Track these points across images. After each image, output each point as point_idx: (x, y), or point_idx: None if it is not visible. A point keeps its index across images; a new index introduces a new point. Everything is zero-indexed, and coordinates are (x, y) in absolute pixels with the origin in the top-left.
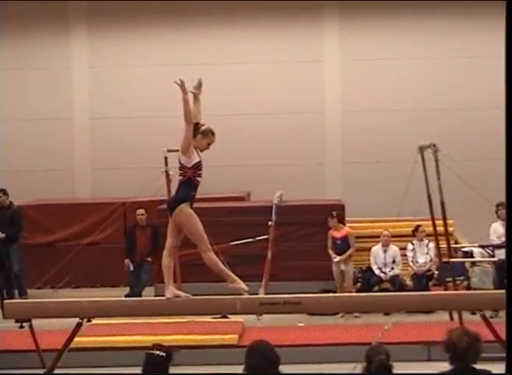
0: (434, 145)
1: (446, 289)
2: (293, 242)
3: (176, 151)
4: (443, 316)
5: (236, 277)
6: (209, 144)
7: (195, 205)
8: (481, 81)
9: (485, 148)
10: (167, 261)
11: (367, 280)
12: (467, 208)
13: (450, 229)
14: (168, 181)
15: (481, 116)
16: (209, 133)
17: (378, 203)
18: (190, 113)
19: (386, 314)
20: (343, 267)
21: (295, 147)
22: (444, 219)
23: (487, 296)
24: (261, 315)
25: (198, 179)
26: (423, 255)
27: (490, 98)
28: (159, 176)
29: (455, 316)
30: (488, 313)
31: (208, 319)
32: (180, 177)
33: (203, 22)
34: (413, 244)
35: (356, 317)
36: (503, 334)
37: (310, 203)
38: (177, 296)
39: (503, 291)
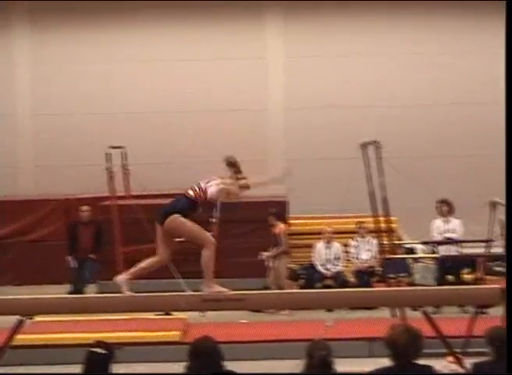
0: (376, 142)
1: (388, 285)
2: (237, 239)
3: (119, 147)
4: (386, 313)
5: (213, 282)
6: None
7: (140, 201)
8: (426, 78)
9: (428, 145)
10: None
11: (309, 276)
12: (409, 205)
13: (393, 225)
14: (111, 178)
15: (423, 113)
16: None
17: (321, 200)
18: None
19: (329, 310)
20: (270, 264)
21: (238, 143)
22: (386, 215)
23: (429, 292)
24: (204, 311)
25: (200, 208)
26: (366, 251)
27: (434, 96)
28: (102, 173)
29: (397, 312)
30: (430, 309)
31: (151, 316)
32: (190, 193)
33: (149, 18)
34: (356, 240)
35: (284, 314)
36: (444, 330)
37: (253, 200)
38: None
39: (445, 287)
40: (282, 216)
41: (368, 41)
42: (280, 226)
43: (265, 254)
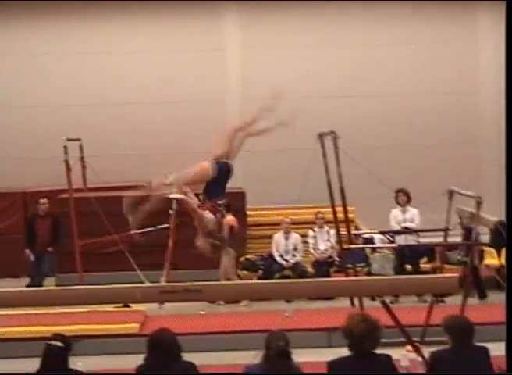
0: (333, 132)
1: (346, 275)
2: (195, 230)
3: (76, 140)
4: (344, 302)
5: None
6: None
7: (97, 194)
8: (382, 68)
9: (385, 135)
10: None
11: (268, 267)
12: (367, 195)
13: (351, 215)
14: (68, 170)
15: (381, 103)
16: None
17: (280, 191)
18: None
19: (288, 301)
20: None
21: (196, 135)
22: (344, 205)
23: (387, 282)
24: (162, 303)
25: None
26: (324, 241)
27: (388, 85)
28: (59, 166)
29: (356, 302)
30: (388, 299)
31: (109, 308)
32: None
33: (105, 10)
34: (314, 231)
35: (219, 304)
36: (402, 319)
37: None
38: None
39: (403, 277)
40: (230, 208)
41: (329, 32)
42: (229, 219)
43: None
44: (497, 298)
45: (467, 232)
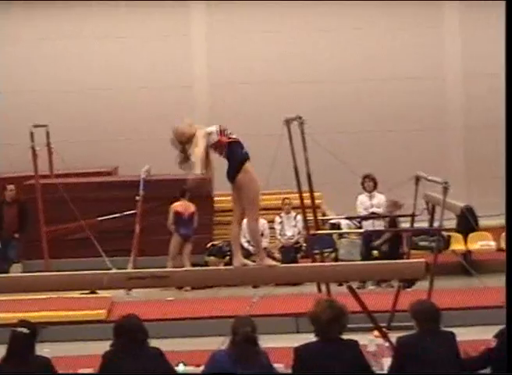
0: (300, 118)
1: (313, 261)
2: (161, 216)
3: (43, 126)
4: (311, 288)
5: (265, 256)
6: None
7: (64, 180)
8: (350, 54)
9: (352, 120)
10: (236, 229)
11: None
12: (334, 181)
13: (318, 201)
14: (35, 157)
15: (349, 89)
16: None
17: None
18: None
19: (255, 287)
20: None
21: (163, 121)
22: (311, 191)
23: (354, 267)
24: (130, 290)
25: (233, 136)
26: (291, 227)
27: (355, 71)
28: (25, 152)
29: (323, 287)
30: (355, 284)
31: (76, 294)
32: (222, 154)
33: None
34: (280, 216)
35: (186, 291)
36: (369, 305)
37: (177, 177)
38: (245, 265)
39: (370, 262)
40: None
41: (296, 17)
42: (194, 207)
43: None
44: (463, 283)
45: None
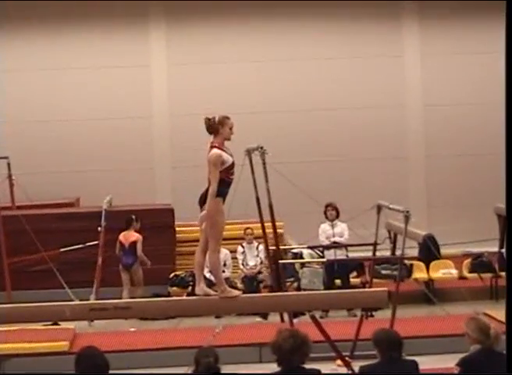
0: (261, 148)
1: (276, 291)
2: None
3: (4, 158)
4: (275, 318)
5: (226, 286)
6: (231, 128)
7: (23, 212)
8: (310, 83)
9: (313, 149)
10: (200, 257)
11: None
12: (295, 210)
13: (280, 231)
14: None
15: (309, 118)
16: (225, 120)
17: None
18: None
19: (217, 317)
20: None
21: (124, 152)
22: (273, 221)
23: (316, 296)
24: (92, 321)
25: (232, 177)
26: (253, 257)
27: (316, 100)
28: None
29: (286, 317)
30: (317, 314)
31: (38, 326)
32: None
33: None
34: (243, 246)
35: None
36: (332, 334)
37: (139, 208)
38: (207, 294)
39: (332, 291)
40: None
41: (255, 47)
42: (137, 236)
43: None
44: (426, 311)
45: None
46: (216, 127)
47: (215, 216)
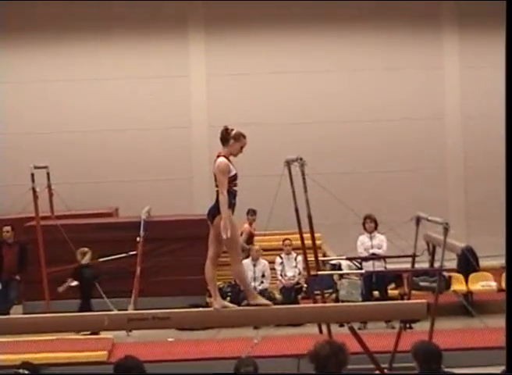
0: (301, 159)
1: (314, 302)
2: (162, 257)
3: (43, 167)
4: (313, 329)
5: (257, 294)
6: (242, 148)
7: (62, 222)
8: (350, 94)
9: (352, 161)
10: (210, 271)
11: (236, 294)
12: (334, 222)
13: (318, 242)
14: (35, 198)
15: (349, 129)
16: (241, 137)
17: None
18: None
19: (256, 328)
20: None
21: (163, 162)
22: (311, 232)
23: (354, 308)
24: (130, 331)
25: (235, 188)
26: (291, 268)
27: (356, 112)
28: (26, 193)
29: (324, 328)
30: (356, 325)
31: (77, 336)
32: (217, 188)
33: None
34: (281, 257)
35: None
36: (370, 346)
37: (177, 218)
38: (225, 307)
39: (371, 303)
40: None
41: (294, 58)
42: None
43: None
44: (464, 324)
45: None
46: (229, 139)
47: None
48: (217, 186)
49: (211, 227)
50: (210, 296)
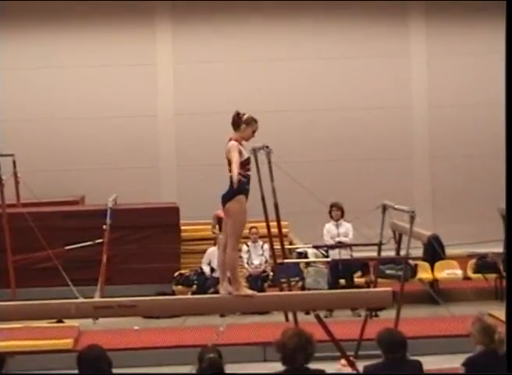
0: (267, 147)
1: (281, 290)
2: (128, 245)
3: (9, 155)
4: (279, 317)
5: (242, 286)
6: (254, 132)
7: (28, 210)
8: (316, 82)
9: (318, 149)
10: (223, 256)
11: (202, 282)
12: (301, 210)
13: (285, 230)
14: (1, 186)
15: (315, 117)
16: (252, 121)
17: (213, 205)
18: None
19: (222, 316)
20: None
21: (129, 150)
22: (278, 220)
23: (321, 296)
24: (97, 318)
25: (248, 173)
26: (258, 256)
27: (322, 100)
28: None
29: (290, 316)
30: (322, 313)
31: (42, 324)
32: (230, 173)
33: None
34: (247, 245)
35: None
36: (336, 334)
37: (144, 206)
38: (230, 293)
39: (337, 291)
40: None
41: (260, 46)
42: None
43: None
44: (430, 312)
45: None
46: (240, 124)
47: (237, 214)
48: (230, 171)
49: (224, 213)
50: (176, 284)
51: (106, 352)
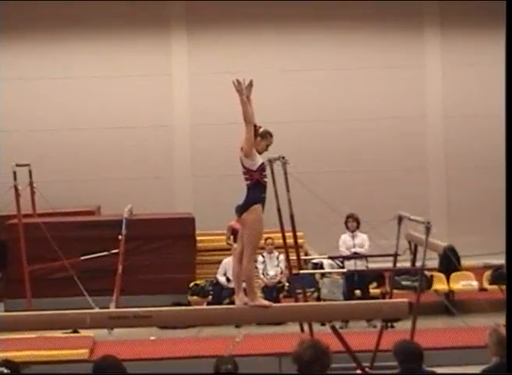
0: (283, 157)
1: (296, 300)
2: (144, 256)
3: (25, 165)
4: (294, 328)
5: (258, 296)
6: (268, 146)
7: (44, 220)
8: (332, 94)
9: (334, 160)
10: (236, 268)
11: (218, 292)
12: (316, 221)
13: (300, 241)
14: (17, 196)
15: (329, 128)
16: (268, 135)
17: (228, 216)
18: (250, 113)
19: (237, 326)
20: None
21: (145, 160)
22: (294, 231)
23: (336, 307)
24: (112, 329)
25: (265, 180)
26: (273, 267)
27: (338, 111)
28: (8, 191)
29: (306, 327)
30: (337, 324)
31: (57, 334)
32: (247, 182)
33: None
34: (263, 256)
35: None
36: (352, 344)
37: (160, 217)
38: (246, 303)
39: (352, 302)
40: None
41: (277, 57)
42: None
43: None
44: (446, 323)
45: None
46: (256, 136)
47: (253, 224)
48: (246, 179)
49: (240, 223)
50: (192, 295)
51: (121, 363)
